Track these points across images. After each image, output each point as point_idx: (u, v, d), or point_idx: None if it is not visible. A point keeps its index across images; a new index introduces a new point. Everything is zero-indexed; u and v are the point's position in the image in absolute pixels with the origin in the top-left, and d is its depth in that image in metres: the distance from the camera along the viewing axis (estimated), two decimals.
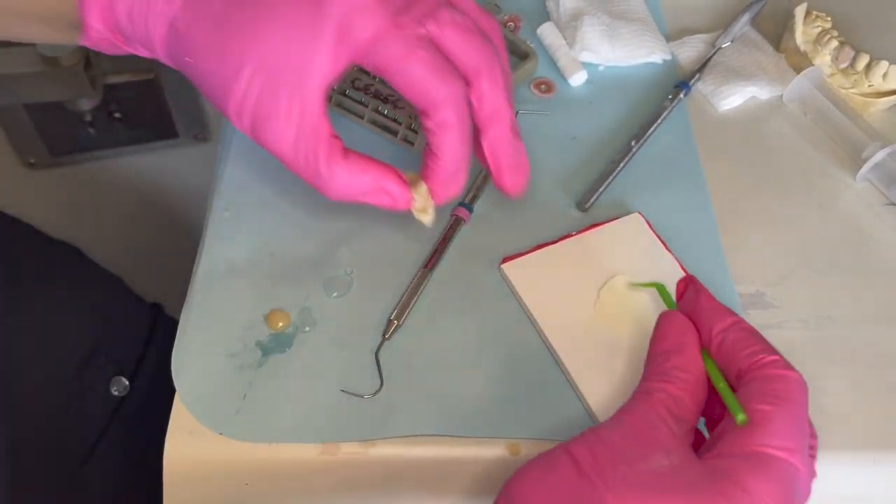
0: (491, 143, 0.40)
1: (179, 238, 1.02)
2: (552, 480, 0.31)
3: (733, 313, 0.36)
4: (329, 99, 0.50)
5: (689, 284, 0.38)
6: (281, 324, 0.42)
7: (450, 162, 0.39)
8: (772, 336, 0.42)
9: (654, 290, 0.42)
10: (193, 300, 0.43)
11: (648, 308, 0.42)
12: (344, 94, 0.50)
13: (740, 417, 0.32)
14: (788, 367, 0.34)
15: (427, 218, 0.42)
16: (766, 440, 0.31)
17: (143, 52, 0.39)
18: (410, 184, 0.41)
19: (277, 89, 0.36)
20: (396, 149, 0.49)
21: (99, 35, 0.39)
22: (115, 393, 0.63)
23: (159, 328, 0.72)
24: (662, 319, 0.37)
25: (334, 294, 0.43)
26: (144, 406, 0.65)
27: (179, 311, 0.44)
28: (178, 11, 0.37)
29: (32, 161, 1.00)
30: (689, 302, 0.37)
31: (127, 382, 0.64)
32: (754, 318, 0.43)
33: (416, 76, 0.36)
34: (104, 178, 1.05)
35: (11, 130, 0.96)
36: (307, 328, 0.42)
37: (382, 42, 0.36)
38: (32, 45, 0.84)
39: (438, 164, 0.39)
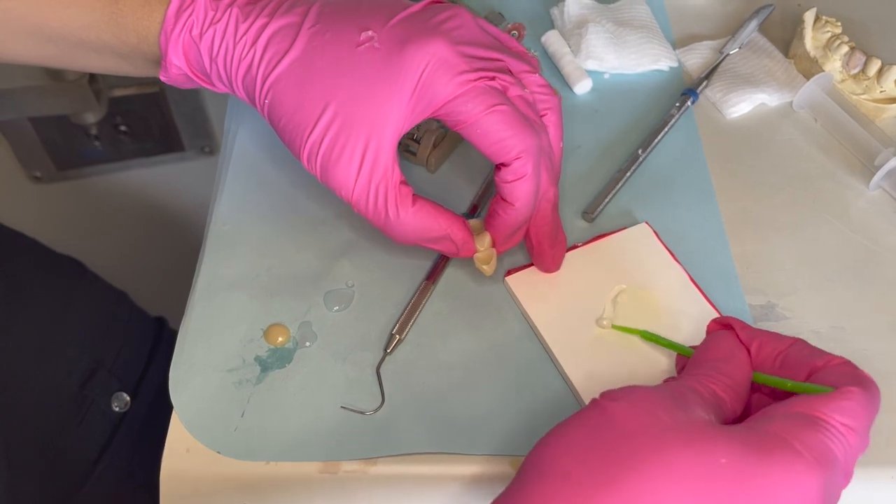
0: (535, 221, 0.41)
1: (184, 251, 1.01)
2: (583, 437, 0.30)
3: (791, 338, 0.36)
4: None
5: (729, 324, 0.37)
6: (280, 339, 0.41)
7: (522, 210, 0.39)
8: None
9: (656, 305, 0.41)
10: (192, 315, 0.42)
11: (657, 322, 0.41)
12: None
13: (826, 389, 0.31)
14: (861, 369, 0.33)
15: (488, 269, 0.42)
16: (833, 411, 0.30)
17: (220, 88, 0.41)
18: (474, 233, 0.41)
19: (354, 134, 0.37)
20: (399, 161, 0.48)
21: (179, 72, 0.40)
22: (117, 409, 0.63)
23: (163, 342, 0.71)
24: (714, 334, 0.37)
25: (335, 308, 0.42)
26: (146, 422, 0.64)
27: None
28: (261, 56, 0.38)
29: (38, 174, 1.00)
30: (739, 328, 0.36)
31: (128, 398, 0.63)
32: (766, 329, 0.42)
33: (495, 130, 0.37)
34: (110, 192, 1.04)
35: (17, 144, 0.96)
36: (307, 343, 0.41)
37: (462, 98, 0.37)
38: None
39: (509, 214, 0.39)
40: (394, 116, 0.37)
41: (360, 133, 0.37)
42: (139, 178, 1.03)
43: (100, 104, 0.89)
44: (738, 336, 0.36)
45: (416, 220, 0.39)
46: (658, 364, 0.40)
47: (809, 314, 0.43)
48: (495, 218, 0.40)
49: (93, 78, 0.86)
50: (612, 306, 0.42)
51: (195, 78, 0.40)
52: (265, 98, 0.38)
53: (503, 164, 0.38)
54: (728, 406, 0.33)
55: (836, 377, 0.32)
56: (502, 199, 0.40)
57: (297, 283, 0.43)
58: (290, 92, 0.38)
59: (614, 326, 0.41)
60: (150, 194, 1.07)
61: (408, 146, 0.48)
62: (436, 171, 0.48)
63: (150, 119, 0.96)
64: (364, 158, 0.37)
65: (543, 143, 0.39)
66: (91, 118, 0.92)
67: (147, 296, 0.82)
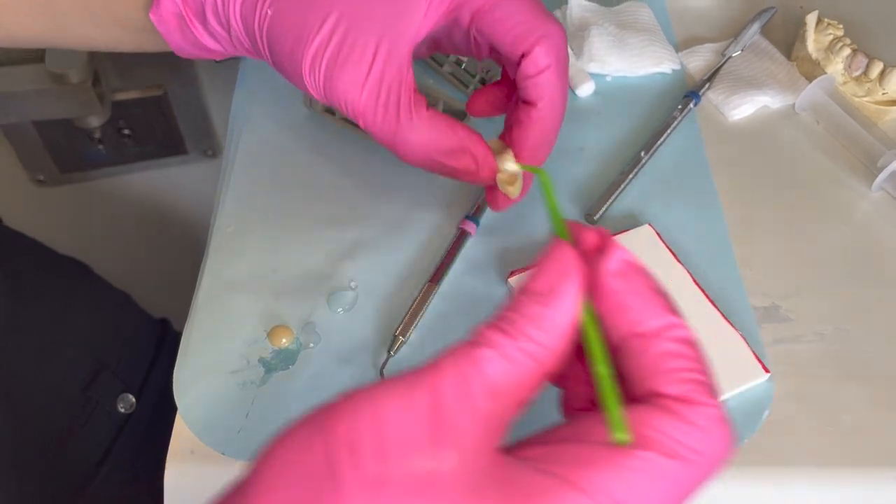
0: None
1: (188, 253, 1.01)
2: (299, 464, 0.22)
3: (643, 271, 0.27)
4: (334, 113, 0.50)
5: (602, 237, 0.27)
6: (284, 340, 0.41)
7: (547, 112, 0.35)
8: (788, 350, 0.42)
9: None
10: (196, 316, 0.42)
11: None
12: None
13: (619, 436, 0.23)
14: (711, 394, 0.25)
15: (514, 189, 0.38)
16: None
17: (213, 22, 0.36)
18: (495, 153, 0.37)
19: (364, 31, 0.34)
20: (401, 163, 0.49)
21: (171, 8, 0.37)
22: (122, 410, 0.63)
23: (166, 344, 0.72)
24: (550, 250, 0.26)
25: (339, 309, 0.42)
26: (151, 423, 0.65)
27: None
28: None
29: (41, 178, 1.00)
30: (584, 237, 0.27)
31: (133, 399, 0.63)
32: (770, 331, 0.42)
33: (515, 11, 0.35)
34: (113, 195, 1.05)
35: (20, 147, 0.96)
36: (311, 344, 0.41)
37: None
38: (41, 61, 0.84)
39: (532, 117, 0.35)
40: (409, 11, 0.34)
41: (372, 30, 0.34)
42: (142, 181, 1.04)
43: (103, 108, 0.89)
44: (580, 250, 0.26)
45: (430, 127, 0.35)
46: None
47: (813, 316, 0.43)
48: (517, 127, 0.36)
49: (96, 81, 0.86)
50: None
51: (187, 16, 0.37)
52: (264, 20, 0.35)
53: (524, 55, 0.35)
54: (528, 370, 0.24)
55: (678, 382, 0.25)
56: (523, 101, 0.35)
57: (301, 284, 0.43)
58: (293, 1, 0.35)
59: (520, 166, 0.38)
60: (152, 197, 1.07)
61: None
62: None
63: (153, 122, 0.96)
64: (375, 57, 0.34)
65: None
66: (94, 122, 0.93)
67: (150, 297, 0.82)
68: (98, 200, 1.05)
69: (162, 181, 1.04)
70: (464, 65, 0.51)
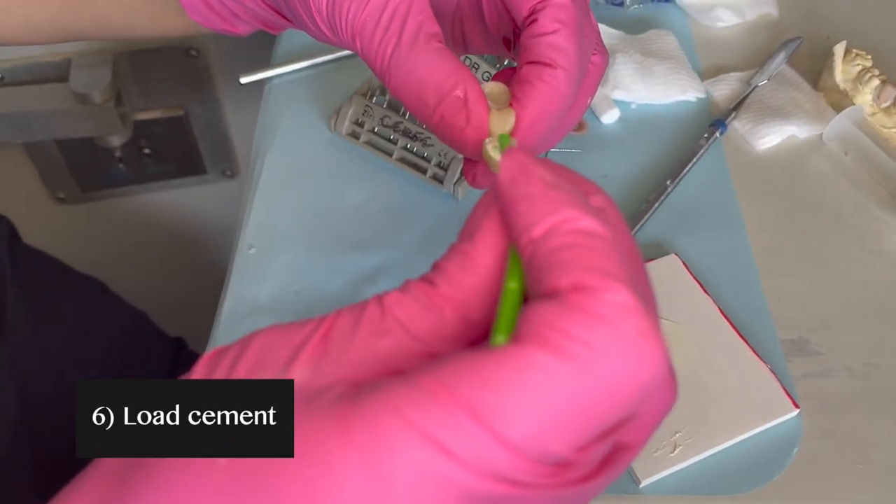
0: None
1: (205, 273, 1.02)
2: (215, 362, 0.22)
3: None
4: (358, 137, 0.50)
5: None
6: None
7: (563, 76, 0.29)
8: (817, 385, 0.41)
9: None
10: (215, 342, 0.42)
11: (686, 356, 0.41)
12: (373, 132, 0.49)
13: (498, 338, 0.21)
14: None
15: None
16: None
17: None
18: (492, 104, 0.30)
19: None
20: (425, 187, 0.48)
21: None
22: None
23: (181, 366, 0.71)
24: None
25: None
26: None
27: (201, 346, 0.43)
28: None
29: (62, 196, 1.01)
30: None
31: None
32: (798, 366, 0.41)
33: None
34: (132, 214, 1.05)
35: (42, 165, 0.97)
36: None
37: None
38: (66, 80, 0.85)
39: (544, 80, 0.29)
40: None
41: None
42: (161, 200, 1.04)
43: (125, 127, 0.90)
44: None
45: (430, 59, 0.29)
46: (680, 369, 0.39)
47: (842, 350, 0.42)
48: (524, 89, 0.30)
49: (119, 101, 0.87)
50: None
51: None
52: None
53: (537, 9, 0.30)
54: (452, 318, 0.22)
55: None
56: (535, 61, 0.30)
57: (323, 307, 0.43)
58: None
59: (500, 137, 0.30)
60: (171, 216, 1.07)
61: (435, 174, 0.48)
62: (463, 199, 0.48)
63: (173, 142, 0.97)
64: None
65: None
66: (116, 141, 0.93)
67: (167, 316, 0.82)
68: (117, 219, 1.05)
69: (181, 201, 1.05)
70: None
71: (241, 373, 0.21)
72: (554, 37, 0.30)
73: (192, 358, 0.74)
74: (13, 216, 0.72)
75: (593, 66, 0.33)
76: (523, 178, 0.22)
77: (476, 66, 0.50)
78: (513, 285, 0.22)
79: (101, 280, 0.72)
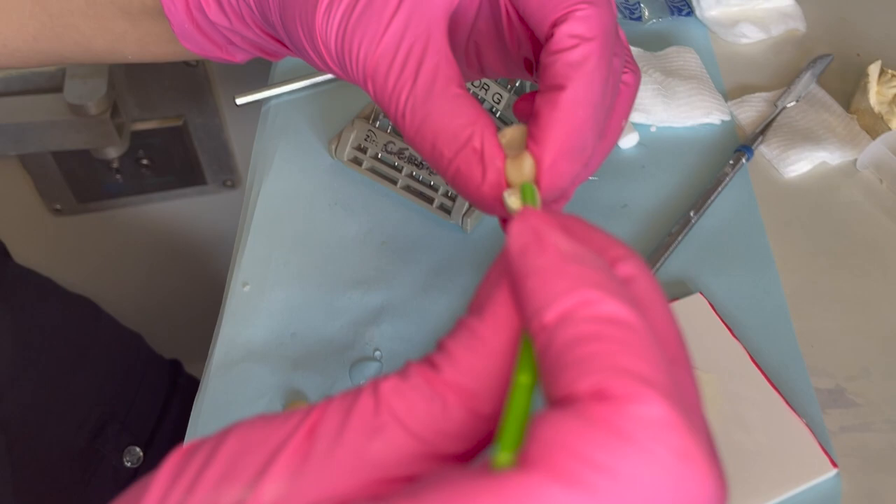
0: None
1: (204, 288, 0.99)
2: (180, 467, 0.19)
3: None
4: (360, 163, 0.47)
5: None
6: None
7: (583, 101, 0.26)
8: (855, 440, 0.38)
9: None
10: (207, 389, 0.39)
11: (717, 409, 0.37)
12: (376, 159, 0.46)
13: (500, 457, 0.17)
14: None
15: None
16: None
17: (224, 15, 0.32)
18: (506, 149, 0.26)
19: None
20: (432, 218, 0.45)
21: None
22: (128, 464, 0.60)
23: (178, 390, 0.69)
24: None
25: (362, 382, 0.39)
26: None
27: (199, 368, 0.41)
28: None
29: (58, 207, 0.99)
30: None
31: (141, 453, 0.60)
32: (835, 418, 0.38)
33: None
34: (130, 225, 1.03)
35: (38, 176, 0.94)
36: None
37: None
38: (60, 91, 0.83)
39: (562, 107, 0.26)
40: None
41: None
42: (160, 211, 1.02)
43: (122, 139, 0.87)
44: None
45: (448, 107, 0.26)
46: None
47: (882, 400, 0.39)
48: (539, 123, 0.26)
49: (115, 112, 0.84)
50: None
51: None
52: None
53: (557, 23, 0.26)
54: (458, 411, 0.19)
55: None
56: (550, 85, 0.26)
57: (321, 352, 0.40)
58: None
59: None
60: (170, 228, 1.05)
61: (442, 203, 0.45)
62: (472, 231, 0.45)
63: (171, 152, 0.95)
64: (401, 3, 0.27)
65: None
66: (113, 153, 0.91)
67: (162, 336, 0.80)
68: (114, 230, 1.03)
69: (181, 212, 1.03)
70: (499, 113, 0.48)
71: (208, 482, 0.18)
72: (571, 54, 0.26)
73: (189, 382, 0.71)
74: (8, 227, 0.70)
75: (625, 85, 0.30)
76: (535, 247, 0.19)
77: (486, 86, 0.47)
78: (524, 379, 0.18)
79: (98, 295, 0.69)
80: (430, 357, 0.20)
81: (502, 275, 0.20)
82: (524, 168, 0.26)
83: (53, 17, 0.36)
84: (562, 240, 0.19)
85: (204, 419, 0.38)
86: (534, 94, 0.31)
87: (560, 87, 0.26)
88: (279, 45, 0.33)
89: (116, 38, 0.36)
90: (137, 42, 0.37)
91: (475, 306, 0.20)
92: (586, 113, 0.26)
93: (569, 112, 0.26)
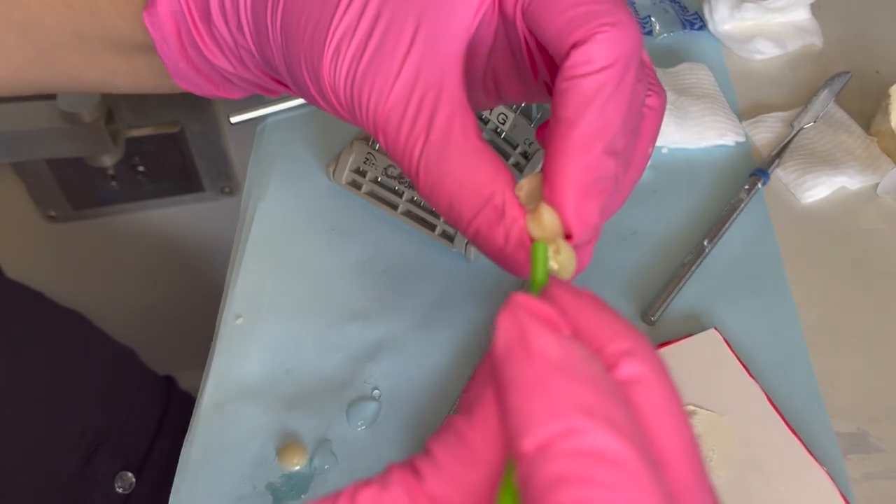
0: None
1: (201, 297, 0.97)
2: None
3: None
4: (359, 187, 0.45)
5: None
6: (296, 460, 0.36)
7: (597, 131, 0.24)
8: (879, 488, 0.36)
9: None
10: (197, 431, 0.37)
11: (732, 456, 0.35)
12: (376, 182, 0.44)
13: None
14: None
15: (562, 265, 0.24)
16: None
17: (218, 21, 0.30)
18: (526, 205, 0.25)
19: (400, 13, 0.25)
20: (434, 246, 0.43)
21: (168, 6, 0.30)
22: (120, 490, 0.58)
23: (171, 410, 0.67)
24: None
25: (359, 423, 0.37)
26: (152, 502, 0.60)
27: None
28: None
29: (53, 214, 0.97)
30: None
31: (133, 479, 0.58)
32: (857, 464, 0.36)
33: None
34: (127, 232, 1.01)
35: (32, 183, 0.93)
36: (326, 466, 0.36)
37: None
38: (53, 98, 0.81)
39: (571, 145, 0.24)
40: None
41: (411, 10, 0.25)
42: (157, 218, 1.00)
43: (116, 146, 0.85)
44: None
45: (464, 162, 0.24)
46: (724, 472, 0.34)
47: None
48: (550, 168, 0.24)
49: (110, 119, 0.83)
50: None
51: (189, 15, 0.30)
52: (278, 4, 0.27)
53: (577, 45, 0.24)
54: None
55: None
56: (560, 118, 0.24)
57: (318, 391, 0.38)
58: None
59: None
60: (168, 234, 1.04)
61: (444, 231, 0.43)
62: (475, 260, 0.43)
63: (168, 159, 0.93)
64: (413, 44, 0.25)
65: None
66: (108, 160, 0.89)
67: (157, 347, 0.78)
68: (110, 237, 1.01)
69: (178, 219, 1.01)
70: (504, 134, 0.46)
71: None
72: (584, 83, 0.24)
73: (183, 399, 0.69)
74: (2, 234, 0.68)
75: (650, 110, 0.28)
76: (519, 353, 0.17)
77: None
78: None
79: (91, 304, 0.68)
80: (414, 461, 0.18)
81: (485, 380, 0.18)
82: (545, 221, 0.24)
83: (41, 50, 0.34)
84: (551, 342, 0.17)
85: (193, 466, 0.36)
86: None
87: (571, 122, 0.24)
88: (280, 85, 0.31)
89: (108, 71, 0.35)
90: (130, 75, 0.35)
91: (466, 403, 0.18)
92: (601, 147, 0.24)
93: (581, 150, 0.24)
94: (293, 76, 0.28)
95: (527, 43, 0.28)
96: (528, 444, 0.16)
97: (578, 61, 0.24)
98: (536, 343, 0.17)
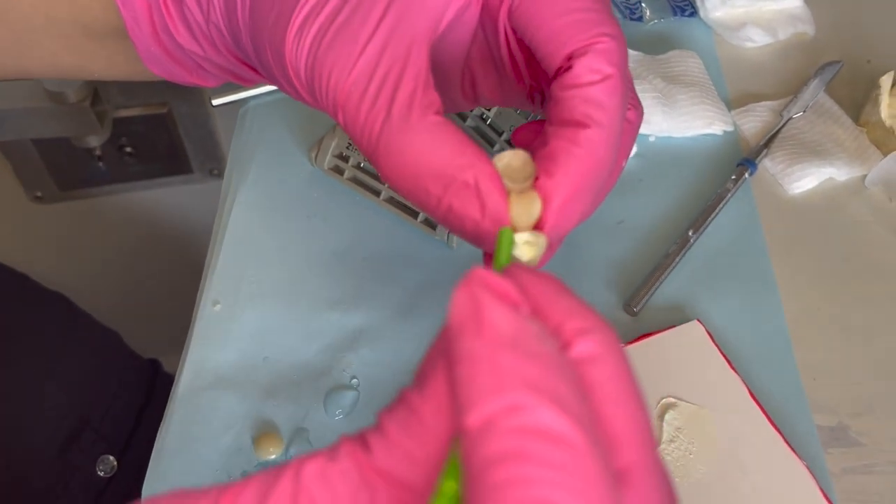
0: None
1: (187, 281, 0.97)
2: None
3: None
4: (342, 172, 0.44)
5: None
6: (272, 450, 0.35)
7: (601, 140, 0.24)
8: (858, 482, 0.36)
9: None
10: (172, 417, 0.37)
11: (712, 450, 0.35)
12: (359, 168, 0.44)
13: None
14: None
15: (532, 253, 0.24)
16: None
17: (191, 3, 0.29)
18: (509, 185, 0.24)
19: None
20: (416, 233, 0.43)
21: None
22: (101, 474, 0.58)
23: (155, 393, 0.66)
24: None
25: (337, 413, 0.37)
26: (132, 488, 0.59)
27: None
28: None
29: (39, 194, 0.96)
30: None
31: (115, 462, 0.58)
32: (837, 458, 0.36)
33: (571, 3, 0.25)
34: (114, 213, 1.01)
35: (18, 164, 0.92)
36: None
37: None
38: (38, 79, 0.80)
39: (575, 146, 0.24)
40: None
41: None
42: (144, 199, 1.00)
43: (103, 127, 0.84)
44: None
45: (428, 137, 0.24)
46: (705, 465, 0.34)
47: (888, 440, 0.37)
48: (557, 159, 0.24)
49: (96, 99, 0.82)
50: (659, 425, 0.36)
51: (164, 5, 0.29)
52: None
53: (575, 55, 0.24)
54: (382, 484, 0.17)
55: None
56: (562, 124, 0.24)
57: (295, 379, 0.38)
58: None
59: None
60: (155, 216, 1.03)
61: (427, 218, 0.43)
62: (458, 248, 0.43)
63: (156, 140, 0.92)
64: (382, 20, 0.24)
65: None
66: (94, 141, 0.88)
67: (142, 330, 0.78)
68: (96, 218, 1.00)
69: (166, 200, 1.00)
70: (489, 120, 0.45)
71: None
72: (593, 89, 0.24)
73: (168, 382, 0.69)
74: None
75: (628, 123, 0.28)
76: (471, 326, 0.17)
77: None
78: (449, 487, 0.16)
79: (75, 285, 0.67)
80: (365, 434, 0.17)
81: (439, 356, 0.17)
82: (531, 206, 0.24)
83: (16, 34, 0.33)
84: (504, 317, 0.17)
85: (168, 454, 0.36)
86: (536, 123, 0.30)
87: (581, 125, 0.24)
88: (252, 72, 0.31)
89: (84, 56, 0.34)
90: (106, 60, 0.34)
91: (419, 376, 0.18)
92: (608, 152, 0.24)
93: (591, 151, 0.24)
94: (259, 56, 0.27)
95: (508, 44, 0.28)
96: (472, 419, 0.15)
97: (584, 70, 0.24)
98: (489, 317, 0.17)
